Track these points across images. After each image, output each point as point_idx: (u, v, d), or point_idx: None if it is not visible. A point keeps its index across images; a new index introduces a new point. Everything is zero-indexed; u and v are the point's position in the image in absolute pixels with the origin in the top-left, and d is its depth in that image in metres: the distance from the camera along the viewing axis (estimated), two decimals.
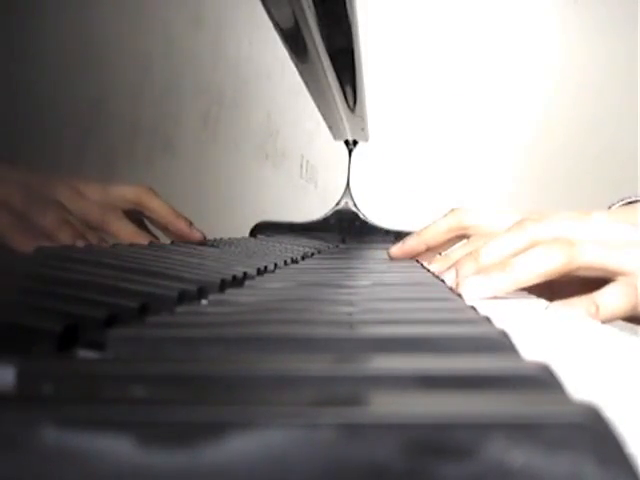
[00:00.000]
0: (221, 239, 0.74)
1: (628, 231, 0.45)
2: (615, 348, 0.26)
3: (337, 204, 1.20)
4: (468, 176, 1.70)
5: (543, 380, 0.15)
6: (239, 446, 0.11)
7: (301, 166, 1.27)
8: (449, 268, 0.47)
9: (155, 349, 0.20)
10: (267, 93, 1.12)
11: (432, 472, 0.11)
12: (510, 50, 1.71)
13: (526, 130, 1.71)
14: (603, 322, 0.42)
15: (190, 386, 0.16)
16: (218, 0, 0.90)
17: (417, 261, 0.64)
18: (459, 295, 0.40)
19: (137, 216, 0.58)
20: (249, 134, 1.03)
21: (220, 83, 0.91)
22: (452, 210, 0.64)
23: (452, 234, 0.63)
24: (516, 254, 0.44)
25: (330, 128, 1.21)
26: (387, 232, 1.19)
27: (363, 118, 1.19)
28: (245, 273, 0.42)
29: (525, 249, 0.44)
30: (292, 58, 0.91)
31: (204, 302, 0.32)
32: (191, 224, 0.62)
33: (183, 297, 0.30)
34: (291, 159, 1.24)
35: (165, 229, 0.62)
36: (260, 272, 0.45)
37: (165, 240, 0.62)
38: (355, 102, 1.12)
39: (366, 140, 1.25)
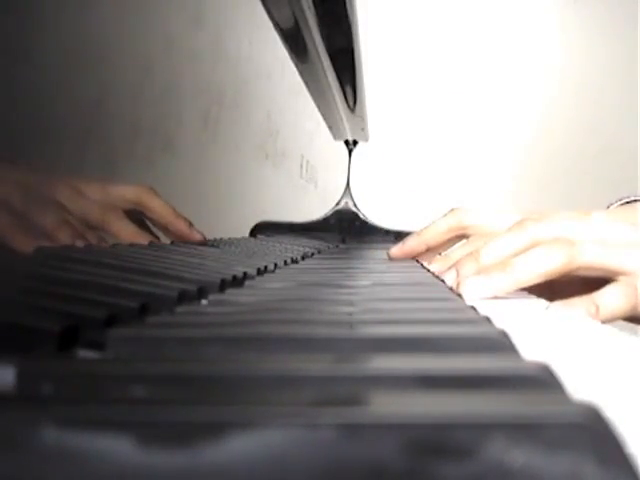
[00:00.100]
0: (221, 239, 0.74)
1: (628, 231, 0.45)
2: (615, 348, 0.26)
3: (337, 204, 1.20)
4: (468, 176, 1.70)
5: (543, 380, 0.15)
6: (239, 446, 0.11)
7: (301, 166, 1.27)
8: (449, 268, 0.47)
9: (155, 349, 0.20)
10: (267, 93, 1.12)
11: (432, 472, 0.11)
12: (510, 50, 1.71)
13: (526, 130, 1.71)
14: (603, 322, 0.42)
15: (190, 386, 0.16)
16: (218, 0, 0.90)
17: (417, 261, 0.64)
18: (459, 295, 0.40)
19: (138, 216, 0.58)
20: (249, 134, 1.03)
21: (220, 83, 0.91)
22: (452, 210, 0.64)
23: (452, 234, 0.63)
24: (516, 254, 0.44)
25: (330, 128, 1.21)
26: (387, 232, 1.19)
27: (363, 118, 1.19)
28: (245, 273, 0.42)
29: (525, 249, 0.44)
30: (292, 58, 0.91)
31: (204, 302, 0.32)
32: (191, 224, 0.62)
33: (183, 297, 0.30)
34: (291, 159, 1.24)
35: (165, 229, 0.62)
36: (260, 272, 0.45)
37: (166, 240, 0.62)
38: (355, 102, 1.12)
39: (366, 140, 1.24)
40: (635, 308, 0.44)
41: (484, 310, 0.29)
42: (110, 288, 0.29)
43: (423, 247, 0.65)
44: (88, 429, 0.12)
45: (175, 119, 0.77)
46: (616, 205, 0.55)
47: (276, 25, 0.79)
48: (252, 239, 1.00)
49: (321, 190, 1.31)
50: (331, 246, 1.01)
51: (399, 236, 1.00)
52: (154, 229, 0.62)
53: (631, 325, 0.46)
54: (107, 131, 0.60)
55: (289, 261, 0.58)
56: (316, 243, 0.99)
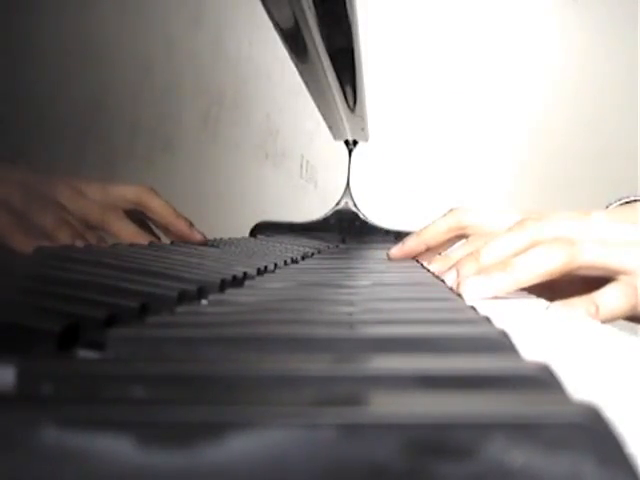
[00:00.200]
0: (221, 239, 0.74)
1: (628, 230, 0.45)
2: (615, 348, 0.26)
3: (337, 204, 1.20)
4: (468, 176, 1.70)
5: (543, 380, 0.15)
6: (239, 446, 0.11)
7: (301, 166, 1.27)
8: (450, 268, 0.47)
9: (155, 349, 0.20)
10: (267, 93, 1.12)
11: (432, 472, 0.11)
12: (510, 50, 1.71)
13: (526, 130, 1.71)
14: (603, 322, 0.42)
15: (190, 386, 0.16)
16: (218, 0, 0.90)
17: (417, 261, 0.64)
18: (459, 295, 0.40)
19: (139, 216, 0.58)
20: (249, 134, 1.03)
21: (220, 83, 0.91)
22: (451, 210, 0.64)
23: (451, 234, 0.63)
24: (517, 254, 0.44)
25: (330, 128, 1.21)
26: (387, 232, 1.19)
27: (363, 118, 1.19)
28: (245, 273, 0.42)
29: (526, 249, 0.44)
30: (292, 58, 0.91)
31: (204, 302, 0.32)
32: (191, 225, 0.62)
33: (183, 297, 0.30)
34: (291, 159, 1.24)
35: (165, 229, 0.62)
36: (260, 272, 0.45)
37: (166, 240, 0.62)
38: (355, 102, 1.12)
39: (366, 140, 1.24)
40: (635, 308, 0.44)
41: (484, 310, 0.29)
42: (110, 288, 0.29)
43: (423, 247, 0.65)
44: (88, 429, 0.12)
45: (175, 119, 0.77)
46: (615, 205, 0.55)
47: (276, 25, 0.79)
48: (252, 239, 1.00)
49: (321, 190, 1.31)
50: (331, 246, 1.01)
51: (399, 236, 1.00)
52: (155, 229, 0.62)
53: (631, 325, 0.46)
54: (107, 131, 0.60)
55: (289, 261, 0.58)
56: (316, 243, 0.99)
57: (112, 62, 0.60)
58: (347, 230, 1.19)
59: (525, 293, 0.45)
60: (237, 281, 0.39)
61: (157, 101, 0.71)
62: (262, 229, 1.08)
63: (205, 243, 0.63)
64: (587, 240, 0.44)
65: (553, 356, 0.21)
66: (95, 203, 0.53)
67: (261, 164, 1.10)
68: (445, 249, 0.65)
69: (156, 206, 0.59)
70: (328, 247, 0.97)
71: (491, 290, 0.42)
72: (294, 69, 0.95)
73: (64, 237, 0.47)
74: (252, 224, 1.08)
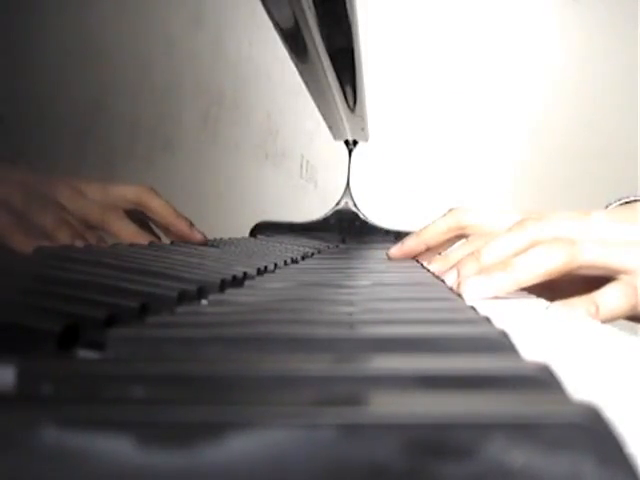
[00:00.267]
0: (221, 239, 0.74)
1: (628, 230, 0.45)
2: (615, 348, 0.26)
3: (337, 204, 1.20)
4: (468, 176, 1.70)
5: (543, 380, 0.15)
6: (239, 446, 0.11)
7: (301, 166, 1.27)
8: (451, 268, 0.47)
9: (155, 349, 0.20)
10: (267, 93, 1.12)
11: (432, 472, 0.11)
12: (510, 50, 1.71)
13: (526, 130, 1.71)
14: (603, 322, 0.42)
15: (190, 386, 0.16)
16: (218, 0, 0.90)
17: (417, 261, 0.64)
18: (459, 295, 0.40)
19: (140, 216, 0.58)
20: (249, 134, 1.03)
21: (220, 83, 0.91)
22: (451, 210, 0.64)
23: (451, 234, 0.63)
24: (517, 254, 0.44)
25: (330, 128, 1.21)
26: (387, 232, 1.19)
27: (363, 118, 1.19)
28: (245, 273, 0.42)
29: (526, 249, 0.44)
30: (292, 58, 0.91)
31: (204, 302, 0.32)
32: (192, 225, 0.62)
33: (183, 297, 0.30)
34: (291, 159, 1.24)
35: (166, 229, 0.62)
36: (260, 272, 0.45)
37: (166, 240, 0.62)
38: (355, 102, 1.12)
39: (366, 140, 1.24)
40: (635, 307, 0.44)
41: (484, 310, 0.29)
42: (110, 288, 0.29)
43: (422, 247, 0.65)
44: (88, 429, 0.12)
45: (175, 119, 0.77)
46: (615, 205, 0.55)
47: (276, 25, 0.79)
48: (252, 239, 1.00)
49: (321, 190, 1.31)
50: (331, 246, 1.01)
51: (399, 236, 1.00)
52: (155, 229, 0.62)
53: (631, 325, 0.46)
54: (107, 131, 0.60)
55: (289, 261, 0.58)
56: (316, 243, 0.99)
57: (112, 62, 0.60)
58: (347, 230, 1.19)
59: (525, 293, 0.45)
60: (237, 281, 0.39)
61: (157, 101, 0.71)
62: (262, 229, 1.08)
63: (205, 243, 0.63)
64: (587, 240, 0.44)
65: (553, 356, 0.21)
66: (95, 203, 0.53)
67: (261, 164, 1.10)
68: (445, 249, 0.65)
69: (156, 206, 0.59)
70: (328, 247, 0.97)
71: (491, 290, 0.42)
72: (294, 69, 0.95)
73: (64, 237, 0.47)
74: (252, 224, 1.08)
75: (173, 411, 0.12)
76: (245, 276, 0.42)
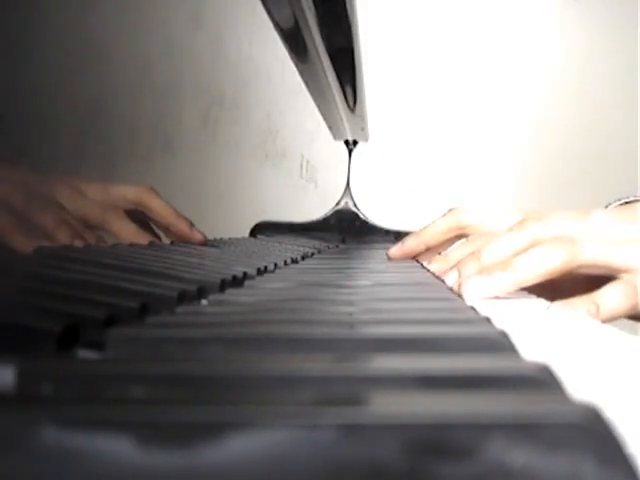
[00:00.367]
0: (221, 239, 0.74)
1: (629, 228, 0.45)
2: (615, 348, 0.26)
3: (337, 204, 1.20)
4: (468, 176, 1.70)
5: (543, 380, 0.15)
6: (239, 446, 0.11)
7: (301, 166, 1.27)
8: (451, 268, 0.47)
9: (155, 349, 0.20)
10: (267, 93, 1.12)
11: (432, 472, 0.11)
12: (510, 50, 1.71)
13: (526, 130, 1.71)
14: (604, 322, 0.42)
15: (190, 386, 0.16)
16: (218, 0, 0.90)
17: (417, 261, 0.64)
18: (459, 295, 0.40)
19: (140, 216, 0.58)
20: (249, 134, 1.03)
21: (220, 83, 0.91)
22: (451, 210, 0.64)
23: (451, 234, 0.63)
24: (517, 254, 0.44)
25: (330, 128, 1.21)
26: (387, 232, 1.19)
27: (363, 118, 1.19)
28: (245, 273, 0.42)
29: (526, 248, 0.44)
30: (292, 58, 0.91)
31: (204, 302, 0.32)
32: (192, 225, 0.62)
33: (183, 297, 0.30)
34: (291, 159, 1.24)
35: (166, 229, 0.62)
36: (260, 272, 0.45)
37: (166, 240, 0.62)
38: (355, 102, 1.12)
39: (366, 140, 1.24)
40: (635, 307, 0.44)
41: (484, 310, 0.29)
42: (110, 288, 0.29)
43: (422, 247, 0.65)
44: (88, 429, 0.12)
45: (175, 119, 0.77)
46: (615, 205, 0.55)
47: (276, 25, 0.79)
48: (252, 239, 1.00)
49: (321, 190, 1.31)
50: (331, 246, 1.01)
51: (399, 236, 1.00)
52: (156, 229, 0.62)
53: (631, 325, 0.46)
54: (107, 131, 0.60)
55: (289, 261, 0.58)
56: (316, 243, 0.99)
57: (112, 62, 0.60)
58: (347, 230, 1.19)
59: (525, 293, 0.45)
60: (237, 281, 0.39)
61: (157, 101, 0.71)
62: (262, 229, 1.08)
63: (205, 243, 0.63)
64: (587, 239, 0.44)
65: (553, 356, 0.21)
66: (95, 203, 0.53)
67: (261, 164, 1.10)
68: (445, 249, 0.65)
69: (156, 206, 0.59)
70: (328, 247, 0.97)
71: (492, 290, 0.42)
72: (294, 69, 0.95)
73: (64, 237, 0.47)
74: (252, 224, 1.08)
75: (173, 411, 0.12)
76: (245, 276, 0.42)
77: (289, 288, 0.39)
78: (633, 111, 1.65)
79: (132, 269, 0.37)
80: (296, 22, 0.75)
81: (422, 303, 0.33)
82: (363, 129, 1.22)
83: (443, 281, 0.45)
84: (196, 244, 0.61)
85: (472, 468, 0.11)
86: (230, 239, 0.78)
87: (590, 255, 0.43)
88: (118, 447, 0.11)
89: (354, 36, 0.90)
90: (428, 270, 0.54)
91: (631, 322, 0.47)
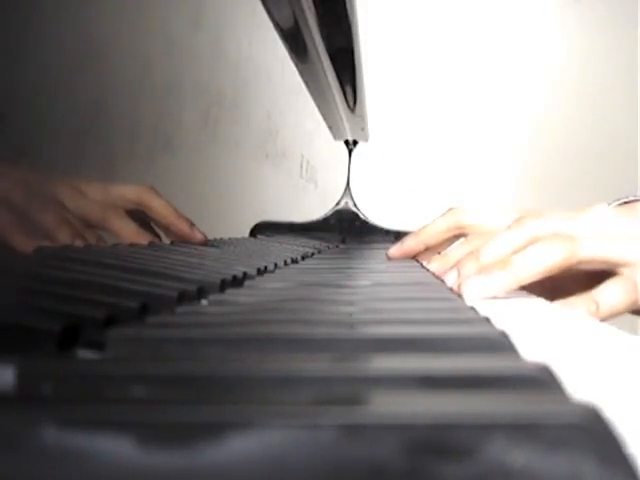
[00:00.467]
0: (221, 239, 0.74)
1: (629, 224, 0.45)
2: (615, 348, 0.26)
3: (337, 204, 1.20)
4: (468, 176, 1.70)
5: (543, 380, 0.15)
6: (239, 446, 0.11)
7: (301, 166, 1.27)
8: (451, 268, 0.47)
9: (155, 349, 0.20)
10: (267, 93, 1.12)
11: (432, 472, 0.11)
12: (510, 50, 1.71)
13: (526, 130, 1.71)
14: (604, 319, 0.42)
15: (190, 386, 0.16)
16: (218, 0, 0.90)
17: (417, 261, 0.64)
18: (459, 295, 0.40)
19: (140, 215, 0.58)
20: (249, 134, 1.03)
21: (220, 83, 0.91)
22: (450, 209, 0.64)
23: (450, 233, 0.63)
24: (516, 251, 0.44)
25: (330, 128, 1.21)
26: (387, 232, 1.19)
27: (363, 118, 1.19)
28: (245, 273, 0.42)
29: (525, 246, 0.44)
30: (292, 58, 0.91)
31: (204, 302, 0.32)
32: (192, 225, 0.62)
33: (183, 297, 0.30)
34: (291, 159, 1.24)
35: (166, 229, 0.62)
36: (260, 272, 0.45)
37: (167, 240, 0.62)
38: (355, 102, 1.12)
39: (366, 140, 1.24)
40: (635, 303, 0.43)
41: (484, 310, 0.29)
42: (110, 288, 0.29)
43: (421, 247, 0.65)
44: (88, 429, 0.12)
45: (175, 119, 0.77)
46: (614, 205, 0.55)
47: (276, 25, 0.79)
48: (252, 239, 1.00)
49: (321, 190, 1.31)
50: (331, 246, 1.01)
51: (399, 236, 1.00)
52: (156, 229, 0.62)
53: (631, 324, 0.46)
54: (107, 131, 0.60)
55: (289, 261, 0.58)
56: (316, 243, 0.99)
57: (112, 62, 0.60)
58: (347, 230, 1.19)
59: (525, 293, 0.45)
60: (237, 281, 0.39)
61: (157, 101, 0.71)
62: (262, 229, 1.08)
63: (205, 243, 0.63)
64: (586, 235, 0.44)
65: (553, 356, 0.21)
66: (96, 202, 0.53)
67: (261, 164, 1.10)
68: (444, 248, 0.65)
69: (157, 206, 0.59)
70: (328, 247, 0.97)
71: (492, 289, 0.42)
72: (294, 69, 0.95)
73: (65, 236, 0.47)
74: (252, 224, 1.08)
75: (173, 411, 0.12)
76: (245, 276, 0.42)
77: (289, 288, 0.39)
78: (633, 111, 1.65)
79: (132, 269, 0.37)
80: (296, 22, 0.75)
81: (422, 303, 0.33)
82: (363, 129, 1.22)
83: (443, 281, 0.45)
84: (196, 244, 0.61)
85: (472, 468, 0.11)
86: (230, 239, 0.78)
87: (589, 251, 0.43)
88: (118, 447, 0.11)
89: (354, 36, 0.90)
90: (428, 270, 0.54)
91: (631, 322, 0.47)
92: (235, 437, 0.11)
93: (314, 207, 1.22)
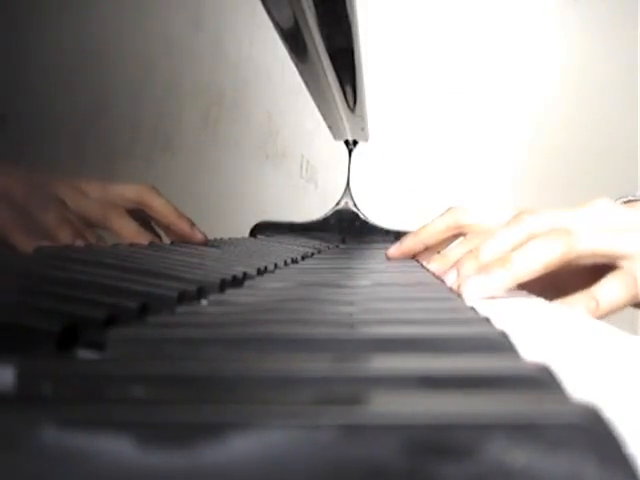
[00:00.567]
0: (221, 239, 0.74)
1: (629, 216, 0.44)
2: (615, 348, 0.26)
3: (337, 204, 1.20)
4: (468, 176, 1.70)
5: (543, 380, 0.15)
6: (239, 446, 0.11)
7: (301, 166, 1.27)
8: (450, 268, 0.47)
9: (155, 349, 0.20)
10: (267, 93, 1.12)
11: (432, 472, 0.11)
12: (510, 49, 1.71)
13: (526, 130, 1.71)
14: (604, 315, 0.42)
15: (190, 386, 0.16)
16: (218, 0, 0.90)
17: (417, 261, 0.64)
18: (459, 295, 0.40)
19: (141, 215, 0.58)
20: (249, 134, 1.03)
21: (220, 83, 0.91)
22: (449, 209, 0.64)
23: (449, 233, 0.63)
24: (515, 248, 0.44)
25: (330, 128, 1.21)
26: (387, 232, 1.19)
27: (363, 118, 1.19)
28: (245, 273, 0.42)
29: (523, 243, 0.44)
30: (292, 58, 0.91)
31: (204, 302, 0.32)
32: (193, 224, 0.62)
33: (183, 297, 0.30)
34: (291, 159, 1.24)
35: (167, 229, 0.62)
36: (260, 272, 0.45)
37: (167, 239, 0.62)
38: (355, 102, 1.12)
39: (366, 140, 1.24)
40: (636, 296, 0.43)
41: (484, 310, 0.29)
42: (110, 288, 0.29)
43: (421, 246, 0.65)
44: (88, 429, 0.12)
45: (175, 119, 0.77)
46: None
47: (276, 25, 0.79)
48: (252, 239, 1.00)
49: (321, 190, 1.31)
50: (331, 246, 1.01)
51: (399, 236, 1.00)
52: (157, 228, 0.62)
53: (631, 325, 0.46)
54: (107, 131, 0.60)
55: (289, 261, 0.58)
56: (316, 243, 0.99)
57: (112, 62, 0.60)
58: (347, 230, 1.19)
59: (525, 293, 0.45)
60: (237, 281, 0.39)
61: (157, 101, 0.71)
62: (262, 229, 1.08)
63: (206, 243, 0.63)
64: (584, 229, 0.43)
65: (553, 356, 0.21)
66: (97, 201, 0.53)
67: (261, 164, 1.10)
68: (443, 248, 0.65)
69: (157, 205, 0.59)
70: (328, 247, 0.97)
71: (492, 289, 0.41)
72: (294, 69, 0.95)
73: (66, 236, 0.47)
74: (252, 224, 1.08)
75: (173, 411, 0.12)
76: (245, 276, 0.42)
77: (289, 288, 0.39)
78: (633, 111, 1.65)
79: (132, 269, 0.37)
80: (296, 22, 0.75)
81: (422, 303, 0.33)
82: (363, 129, 1.22)
83: (443, 281, 0.45)
84: (197, 244, 0.61)
85: (472, 468, 0.11)
86: (230, 239, 0.78)
87: (587, 244, 0.43)
88: (118, 447, 0.11)
89: (354, 36, 0.90)
90: (428, 270, 0.54)
91: (631, 322, 0.47)
92: (235, 437, 0.11)
93: (314, 207, 1.22)
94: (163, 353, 0.20)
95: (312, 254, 0.74)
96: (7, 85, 0.44)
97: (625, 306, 0.43)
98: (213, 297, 0.32)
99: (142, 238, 0.54)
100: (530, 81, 1.71)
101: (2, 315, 0.22)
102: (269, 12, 0.75)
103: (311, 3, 0.73)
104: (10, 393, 0.15)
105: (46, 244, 0.43)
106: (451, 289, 0.42)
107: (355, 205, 1.20)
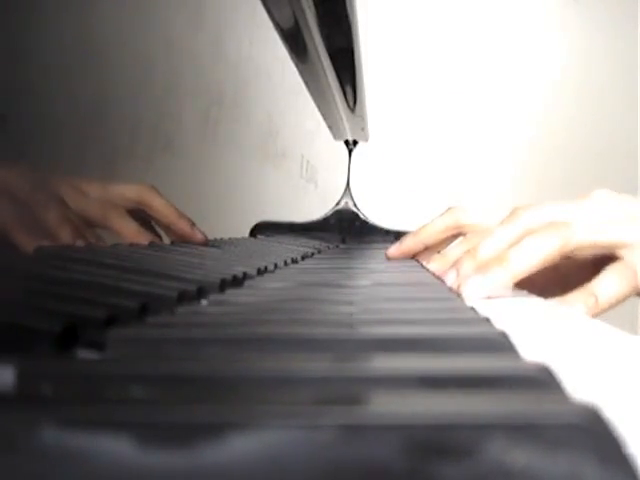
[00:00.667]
0: (221, 239, 0.74)
1: (626, 205, 0.44)
2: (615, 348, 0.26)
3: (337, 204, 1.20)
4: (468, 176, 1.70)
5: (542, 380, 0.15)
6: (239, 446, 0.11)
7: (301, 166, 1.27)
8: (450, 268, 0.47)
9: (155, 349, 0.20)
10: (267, 93, 1.12)
11: (432, 473, 0.11)
12: (511, 49, 1.71)
13: (526, 130, 1.71)
14: (606, 310, 0.42)
15: (190, 386, 0.16)
16: (218, 0, 0.90)
17: (417, 261, 0.64)
18: (458, 295, 0.40)
19: (141, 215, 0.58)
20: (249, 134, 1.03)
21: (220, 83, 0.91)
22: (448, 209, 0.64)
23: (449, 233, 0.63)
24: (512, 245, 0.43)
25: (330, 128, 1.21)
26: (387, 232, 1.19)
27: (363, 118, 1.19)
28: (245, 273, 0.42)
29: (520, 239, 0.43)
30: (292, 58, 0.91)
31: (204, 302, 0.32)
32: (193, 224, 0.62)
33: (183, 297, 0.30)
34: (291, 159, 1.24)
35: (167, 229, 0.62)
36: (260, 272, 0.45)
37: (167, 239, 0.62)
38: (355, 102, 1.12)
39: (366, 140, 1.24)
40: (636, 287, 0.43)
41: (484, 310, 0.29)
42: (110, 288, 0.29)
43: (420, 246, 0.65)
44: (88, 429, 0.12)
45: (175, 119, 0.77)
46: None
47: (276, 25, 0.79)
48: (252, 239, 1.00)
49: (321, 190, 1.31)
50: (331, 246, 1.01)
51: (399, 236, 1.00)
52: (157, 228, 0.62)
53: (631, 325, 0.46)
54: (107, 131, 0.60)
55: (289, 261, 0.58)
56: (316, 243, 0.99)
57: (112, 62, 0.60)
58: (347, 230, 1.19)
59: (525, 292, 0.45)
60: (237, 281, 0.39)
61: (157, 101, 0.71)
62: (262, 229, 1.08)
63: (206, 243, 0.63)
64: (581, 220, 0.43)
65: (553, 356, 0.21)
66: (97, 201, 0.53)
67: (261, 164, 1.10)
68: (443, 247, 0.65)
69: (158, 205, 0.59)
70: (328, 247, 0.97)
71: (492, 288, 0.41)
72: (294, 69, 0.95)
73: (67, 236, 0.47)
74: (252, 224, 1.08)
75: (173, 411, 0.12)
76: (245, 276, 0.42)
77: (289, 288, 0.39)
78: (633, 111, 1.65)
79: (132, 269, 0.37)
80: (296, 22, 0.75)
81: (422, 303, 0.33)
82: (363, 129, 1.22)
83: (442, 281, 0.45)
84: (197, 244, 0.61)
85: (472, 468, 0.11)
86: (230, 239, 0.78)
87: (584, 236, 0.42)
88: (118, 447, 0.11)
89: (354, 36, 0.90)
90: (427, 270, 0.54)
91: (631, 322, 0.47)
92: (235, 437, 0.11)
93: (314, 207, 1.22)
94: (163, 353, 0.20)
95: (312, 254, 0.74)
96: (7, 85, 0.44)
97: (626, 298, 0.43)
98: (213, 297, 0.32)
99: (142, 238, 0.54)
100: (530, 81, 1.71)
101: (2, 315, 0.22)
102: (269, 12, 0.75)
103: (311, 3, 0.73)
104: (10, 393, 0.15)
105: (46, 244, 0.43)
106: (451, 289, 0.42)
107: (355, 205, 1.20)
